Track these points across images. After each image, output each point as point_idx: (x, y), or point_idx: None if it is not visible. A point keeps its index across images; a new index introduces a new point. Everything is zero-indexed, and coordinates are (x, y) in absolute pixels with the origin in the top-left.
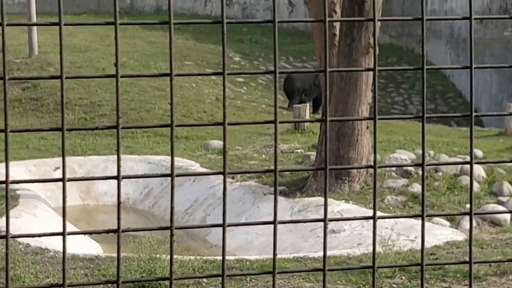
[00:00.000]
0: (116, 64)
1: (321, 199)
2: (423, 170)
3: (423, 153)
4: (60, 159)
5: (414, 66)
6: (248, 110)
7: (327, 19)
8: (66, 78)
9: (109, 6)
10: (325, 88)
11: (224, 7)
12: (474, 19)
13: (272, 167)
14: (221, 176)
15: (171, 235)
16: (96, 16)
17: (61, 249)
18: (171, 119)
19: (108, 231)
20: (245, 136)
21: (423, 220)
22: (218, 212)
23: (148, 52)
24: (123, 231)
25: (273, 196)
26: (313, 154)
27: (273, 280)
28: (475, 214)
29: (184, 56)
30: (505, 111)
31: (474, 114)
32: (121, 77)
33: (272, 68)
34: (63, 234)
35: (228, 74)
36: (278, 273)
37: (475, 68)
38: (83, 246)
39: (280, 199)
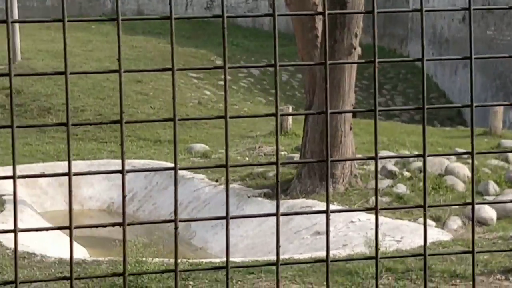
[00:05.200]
0: (119, 60)
1: (305, 201)
2: (424, 161)
3: (424, 144)
4: (44, 164)
5: (396, 66)
6: (230, 113)
7: (326, 11)
8: (71, 73)
9: (90, 11)
10: (326, 80)
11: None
12: (473, 9)
13: (257, 170)
14: (205, 179)
15: (176, 228)
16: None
17: (48, 254)
18: (174, 113)
19: (114, 224)
20: (229, 139)
21: (424, 210)
22: (202, 215)
23: (130, 57)
24: (128, 224)
25: (257, 198)
26: (296, 156)
27: (277, 271)
28: (477, 203)
29: (166, 60)
30: (489, 112)
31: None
32: (124, 72)
33: (255, 70)
34: (69, 228)
35: (229, 68)
36: (281, 264)
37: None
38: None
39: (264, 201)
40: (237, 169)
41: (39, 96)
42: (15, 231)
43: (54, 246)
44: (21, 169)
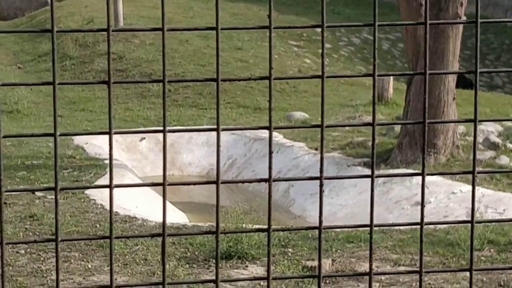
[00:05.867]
0: (162, 19)
1: (406, 171)
2: (475, 127)
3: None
4: (145, 129)
5: (499, 37)
6: (331, 81)
7: None
8: (167, 30)
9: None
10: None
11: None
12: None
13: (357, 139)
14: (305, 148)
15: (217, 189)
16: None
17: (149, 218)
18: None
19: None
20: (328, 108)
21: (473, 177)
22: (301, 183)
23: (231, 24)
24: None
25: (357, 167)
26: (397, 126)
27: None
28: None
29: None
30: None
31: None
32: (168, 30)
33: (355, 40)
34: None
35: (274, 28)
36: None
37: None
38: (170, 215)
39: (364, 170)
40: (337, 137)
41: (140, 62)
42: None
43: (155, 210)
44: (122, 134)
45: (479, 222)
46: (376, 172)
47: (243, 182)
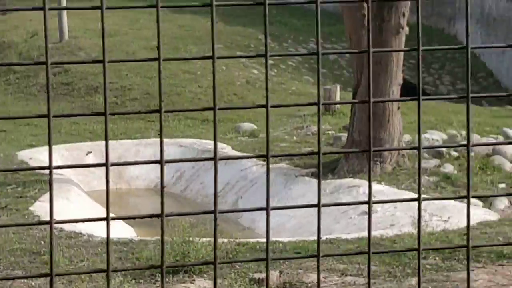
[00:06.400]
0: (158, 48)
1: (353, 181)
2: (468, 151)
3: (468, 134)
4: (91, 143)
5: (443, 46)
6: (278, 92)
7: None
8: (109, 62)
9: None
10: (369, 69)
11: None
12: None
13: (304, 149)
14: (253, 159)
15: (215, 219)
16: None
17: (94, 233)
18: (214, 103)
19: (151, 216)
20: (275, 118)
21: (468, 200)
22: (249, 195)
23: (177, 36)
24: (166, 216)
25: (304, 178)
26: (344, 136)
27: (318, 264)
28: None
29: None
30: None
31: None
32: (164, 60)
33: (303, 50)
34: (107, 219)
35: (270, 55)
36: (322, 256)
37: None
38: (117, 230)
39: (312, 181)
40: (285, 148)
41: (86, 75)
42: (50, 222)
43: (101, 225)
44: (68, 148)
45: (476, 247)
46: (323, 182)
47: (241, 211)
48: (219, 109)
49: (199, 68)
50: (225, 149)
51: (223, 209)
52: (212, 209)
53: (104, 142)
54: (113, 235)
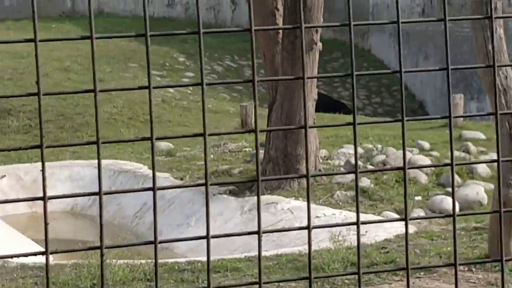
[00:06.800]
0: (94, 80)
1: (271, 197)
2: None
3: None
4: (5, 167)
5: (357, 60)
6: (194, 110)
7: (303, 25)
8: (44, 95)
9: (49, 10)
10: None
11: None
12: (449, 20)
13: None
14: (170, 178)
15: (155, 248)
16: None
17: (9, 259)
18: (151, 133)
19: (90, 248)
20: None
21: (406, 223)
22: (167, 215)
23: (90, 56)
24: (106, 247)
25: (223, 196)
26: (261, 153)
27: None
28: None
29: (128, 58)
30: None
31: (453, 116)
32: (100, 91)
33: (218, 67)
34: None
35: (207, 84)
36: (264, 283)
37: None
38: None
39: (230, 198)
40: (202, 166)
41: None
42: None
43: (16, 249)
44: None
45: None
46: (241, 199)
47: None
48: (156, 139)
49: (114, 87)
50: (141, 169)
51: (169, 239)
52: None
53: (18, 165)
54: (28, 259)
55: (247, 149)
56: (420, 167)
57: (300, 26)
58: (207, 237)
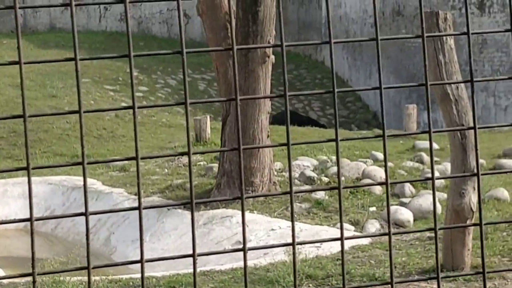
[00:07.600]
0: (79, 101)
1: (226, 211)
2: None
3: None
4: None
5: (312, 72)
6: (148, 125)
7: (284, 43)
8: (29, 116)
9: (0, 26)
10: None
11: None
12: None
13: (176, 181)
14: (124, 194)
15: (142, 266)
16: None
17: None
18: (136, 153)
19: (78, 269)
20: (146, 151)
21: (390, 237)
22: (122, 230)
23: (43, 72)
24: (93, 268)
25: (177, 210)
26: (215, 166)
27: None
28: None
29: (81, 74)
30: (403, 113)
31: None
32: (85, 112)
33: (172, 81)
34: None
35: (190, 103)
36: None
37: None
38: None
39: (184, 213)
40: (156, 181)
41: None
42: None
43: None
44: None
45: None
46: (196, 213)
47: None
48: (141, 158)
49: (66, 104)
50: (95, 184)
51: (155, 258)
52: (83, 245)
53: None
54: None
55: (201, 163)
56: (402, 182)
57: (281, 44)
58: (193, 255)
